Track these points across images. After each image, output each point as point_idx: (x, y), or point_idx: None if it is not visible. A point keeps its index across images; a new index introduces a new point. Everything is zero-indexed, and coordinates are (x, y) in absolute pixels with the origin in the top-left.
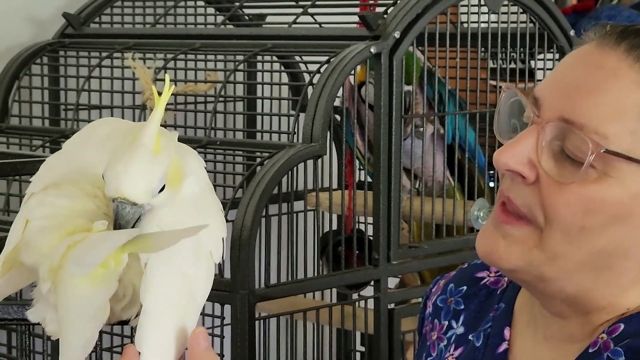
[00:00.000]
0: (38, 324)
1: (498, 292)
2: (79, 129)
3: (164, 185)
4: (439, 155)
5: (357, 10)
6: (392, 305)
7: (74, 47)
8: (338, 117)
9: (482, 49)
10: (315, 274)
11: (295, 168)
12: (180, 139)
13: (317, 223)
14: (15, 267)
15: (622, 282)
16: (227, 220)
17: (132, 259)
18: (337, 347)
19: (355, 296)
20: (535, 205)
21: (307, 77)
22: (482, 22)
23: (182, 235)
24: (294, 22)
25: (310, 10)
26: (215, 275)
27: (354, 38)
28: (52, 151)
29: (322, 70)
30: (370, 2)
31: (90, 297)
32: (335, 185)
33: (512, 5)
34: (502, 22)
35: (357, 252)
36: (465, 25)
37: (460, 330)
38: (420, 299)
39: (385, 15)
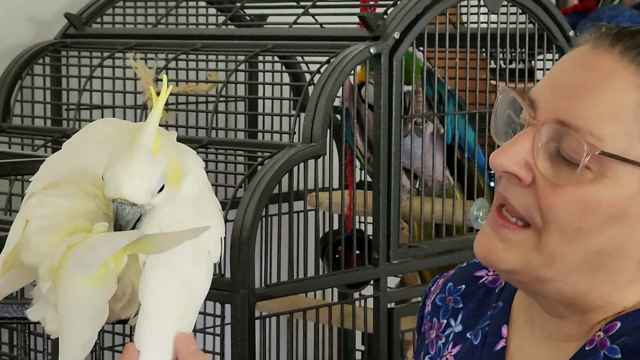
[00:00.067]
0: (38, 322)
1: (496, 291)
2: (81, 129)
3: (164, 185)
4: (438, 155)
5: (357, 10)
6: (392, 305)
7: (76, 47)
8: (338, 117)
9: (482, 50)
10: (315, 274)
11: (297, 167)
12: (181, 139)
13: (317, 223)
14: (15, 267)
15: (618, 281)
16: (227, 220)
17: (130, 259)
18: (338, 347)
19: (356, 295)
20: (532, 206)
21: (308, 77)
22: (481, 22)
23: (184, 237)
24: (295, 23)
25: (311, 11)
26: (214, 274)
27: (354, 38)
28: (54, 151)
29: (322, 70)
30: (371, 2)
31: (90, 297)
32: (335, 185)
33: (511, 5)
34: (502, 23)
35: (357, 251)
36: (465, 25)
37: (459, 328)
38: (420, 298)
39: (385, 16)
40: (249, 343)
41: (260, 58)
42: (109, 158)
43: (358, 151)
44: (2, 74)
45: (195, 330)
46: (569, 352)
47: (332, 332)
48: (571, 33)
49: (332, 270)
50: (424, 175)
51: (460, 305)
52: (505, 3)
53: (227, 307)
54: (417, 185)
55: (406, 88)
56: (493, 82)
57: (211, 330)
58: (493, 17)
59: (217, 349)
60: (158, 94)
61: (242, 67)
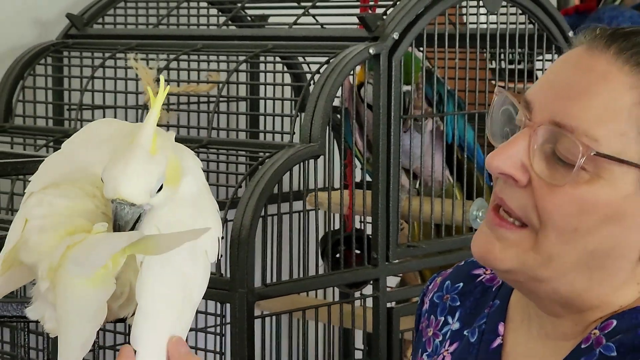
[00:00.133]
0: (37, 321)
1: (493, 289)
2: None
3: (162, 185)
4: (437, 154)
5: (358, 11)
6: (392, 304)
7: (78, 47)
8: (338, 116)
9: (482, 50)
10: (315, 273)
11: (300, 166)
12: (182, 139)
13: (317, 223)
14: (14, 266)
15: (614, 281)
16: (227, 220)
17: (128, 258)
18: (338, 346)
19: (356, 294)
20: (528, 207)
21: (309, 77)
22: (481, 23)
23: (185, 239)
24: (295, 23)
25: (312, 12)
26: (213, 274)
27: (354, 39)
28: (56, 151)
29: (321, 70)
30: (371, 3)
31: (89, 297)
32: (336, 185)
33: (510, 6)
34: (502, 23)
35: (357, 251)
36: (465, 26)
37: (456, 326)
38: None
39: (384, 17)
40: (248, 342)
41: (262, 58)
42: (108, 158)
43: (357, 151)
44: (4, 74)
45: (196, 330)
46: (565, 351)
47: (334, 331)
48: (570, 34)
49: (331, 270)
50: (424, 175)
51: (458, 303)
52: (504, 3)
53: (228, 306)
54: (417, 185)
55: (405, 88)
56: (494, 83)
57: (212, 329)
58: (492, 18)
59: (217, 348)
60: (157, 94)
61: (243, 67)
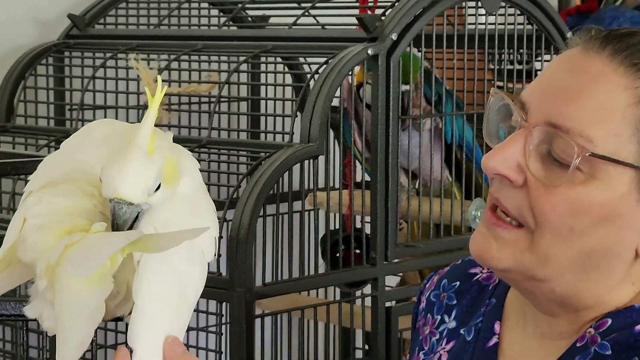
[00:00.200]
0: (36, 320)
1: (490, 288)
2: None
3: (160, 185)
4: (436, 154)
5: (357, 12)
6: (392, 303)
7: (79, 48)
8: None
9: (481, 51)
10: (314, 273)
11: (300, 166)
12: (181, 139)
13: (317, 222)
14: (13, 264)
15: (610, 281)
16: (226, 220)
17: (126, 257)
18: (339, 345)
19: (358, 293)
20: (524, 207)
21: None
22: (479, 23)
23: (183, 238)
24: (294, 24)
25: (312, 12)
26: (212, 273)
27: (353, 39)
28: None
29: (320, 71)
30: (370, 3)
31: (87, 296)
32: (335, 185)
33: (509, 7)
34: (500, 24)
35: (357, 251)
36: (465, 26)
37: (452, 324)
38: None
39: (383, 17)
40: (247, 341)
41: (263, 59)
42: (106, 158)
43: (357, 151)
44: (6, 74)
45: (196, 329)
46: (560, 349)
47: (333, 330)
48: (569, 34)
49: (330, 269)
50: (423, 174)
51: (454, 302)
52: (503, 4)
53: (227, 305)
54: (416, 185)
55: (404, 87)
56: (493, 83)
57: (211, 328)
58: (491, 19)
59: (216, 347)
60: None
61: (244, 67)
